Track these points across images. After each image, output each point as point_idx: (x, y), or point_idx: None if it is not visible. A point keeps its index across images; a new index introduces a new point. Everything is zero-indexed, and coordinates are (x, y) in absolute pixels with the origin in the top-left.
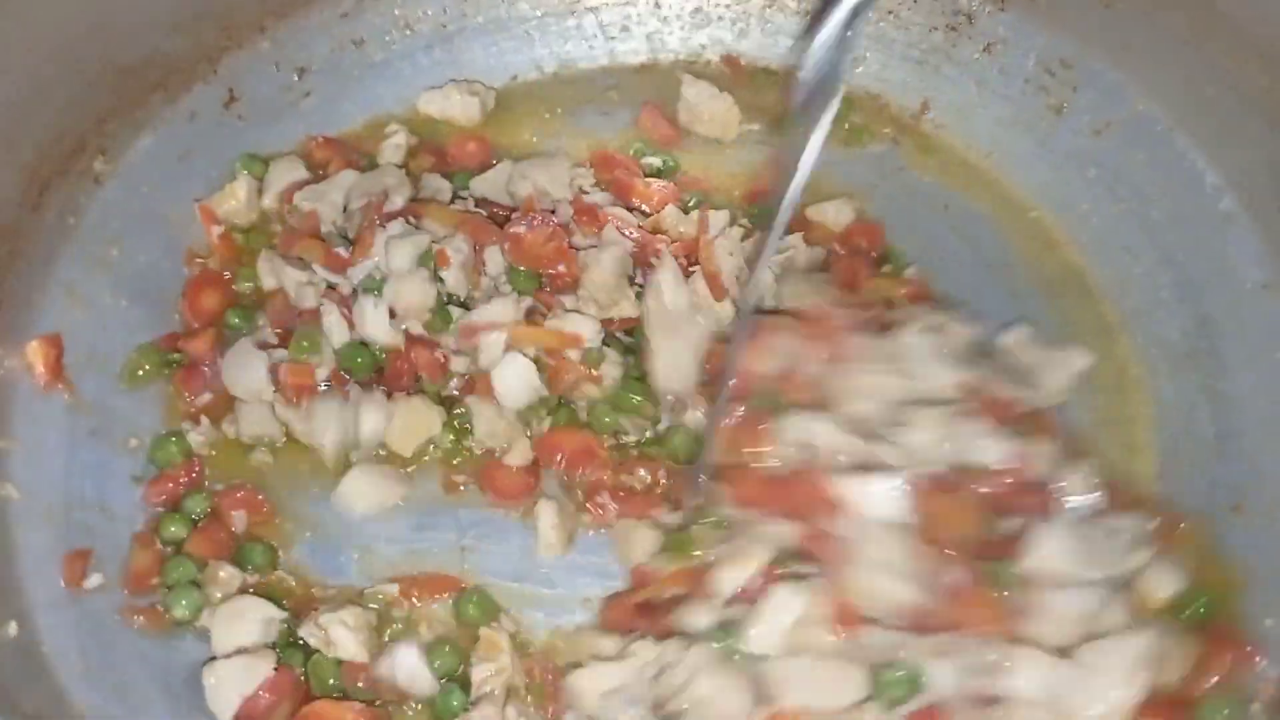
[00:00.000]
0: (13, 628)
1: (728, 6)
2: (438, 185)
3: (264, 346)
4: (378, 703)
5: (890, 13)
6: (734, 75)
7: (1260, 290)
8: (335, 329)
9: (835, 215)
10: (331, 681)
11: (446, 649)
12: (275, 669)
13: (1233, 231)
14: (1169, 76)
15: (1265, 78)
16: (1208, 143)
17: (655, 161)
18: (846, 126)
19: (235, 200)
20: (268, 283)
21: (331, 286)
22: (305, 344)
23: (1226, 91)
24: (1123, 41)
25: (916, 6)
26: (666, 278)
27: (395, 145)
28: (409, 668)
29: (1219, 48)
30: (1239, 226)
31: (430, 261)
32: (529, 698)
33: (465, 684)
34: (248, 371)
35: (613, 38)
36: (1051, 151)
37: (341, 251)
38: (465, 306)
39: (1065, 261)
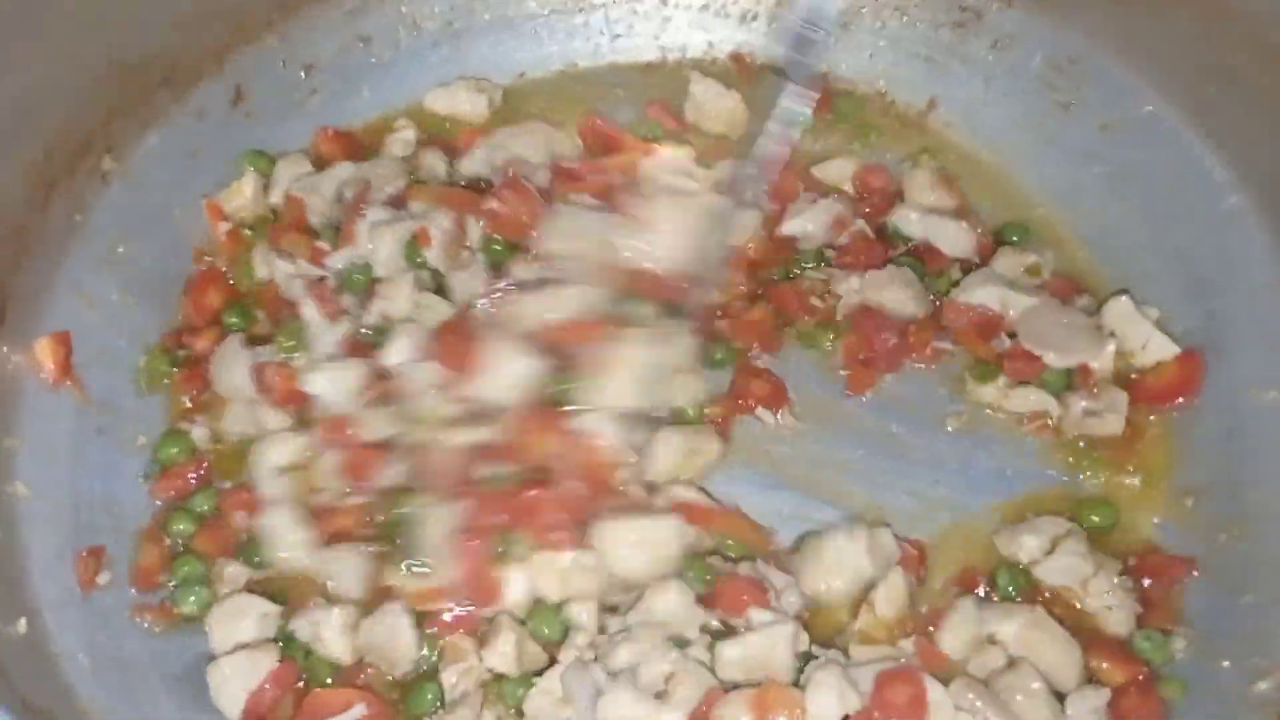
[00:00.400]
0: (22, 625)
1: (735, 3)
2: (432, 163)
3: (252, 343)
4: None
5: (898, 10)
6: (742, 73)
7: (1268, 287)
8: (314, 322)
9: (839, 171)
10: (329, 681)
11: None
12: (279, 661)
13: (1241, 228)
14: (1177, 73)
15: (1274, 73)
16: (1216, 140)
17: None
18: (854, 124)
19: (242, 197)
20: (260, 274)
21: (322, 280)
22: (291, 342)
23: (1235, 88)
24: (1131, 38)
25: (924, 3)
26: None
27: (403, 141)
28: (393, 626)
29: (1228, 44)
30: (1247, 223)
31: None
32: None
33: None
34: (232, 370)
35: (620, 35)
36: (1059, 148)
37: (324, 245)
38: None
39: (1072, 259)
